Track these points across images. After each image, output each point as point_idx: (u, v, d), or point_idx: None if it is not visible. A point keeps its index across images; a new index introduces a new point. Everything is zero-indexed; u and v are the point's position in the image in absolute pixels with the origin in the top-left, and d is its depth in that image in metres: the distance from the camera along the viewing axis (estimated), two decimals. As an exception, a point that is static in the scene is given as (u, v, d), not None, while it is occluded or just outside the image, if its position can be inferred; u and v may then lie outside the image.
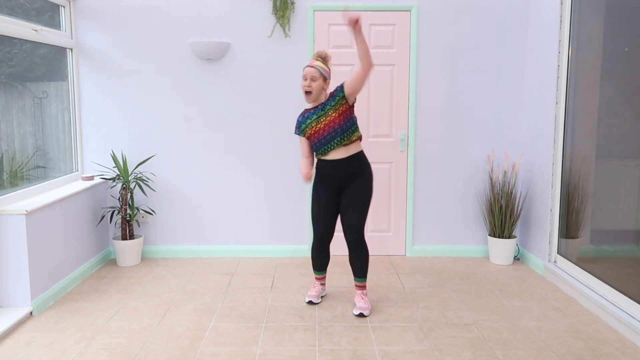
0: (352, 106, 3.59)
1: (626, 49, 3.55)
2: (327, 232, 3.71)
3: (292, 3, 4.70)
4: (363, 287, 3.74)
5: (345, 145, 3.55)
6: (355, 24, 3.28)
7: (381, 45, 4.78)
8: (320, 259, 3.82)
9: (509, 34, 4.80)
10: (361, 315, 3.61)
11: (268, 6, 4.74)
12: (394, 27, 4.77)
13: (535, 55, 4.62)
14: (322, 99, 3.60)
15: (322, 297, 3.96)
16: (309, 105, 3.86)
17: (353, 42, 4.77)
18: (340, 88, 3.54)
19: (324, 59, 3.62)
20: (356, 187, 3.60)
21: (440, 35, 4.79)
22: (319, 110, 3.57)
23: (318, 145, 3.58)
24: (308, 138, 3.64)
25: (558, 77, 4.26)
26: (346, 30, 4.76)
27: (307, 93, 3.55)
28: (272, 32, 4.75)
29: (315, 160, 3.74)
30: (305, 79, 3.53)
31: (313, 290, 3.90)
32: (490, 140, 4.91)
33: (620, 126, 3.62)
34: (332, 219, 3.69)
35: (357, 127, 3.59)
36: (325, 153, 3.58)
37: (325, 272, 3.91)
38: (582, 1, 4.04)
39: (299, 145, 3.73)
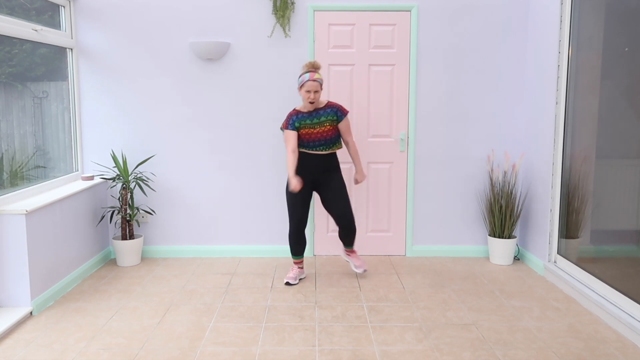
0: None
1: (626, 49, 3.55)
2: (303, 220, 4.20)
3: (292, 3, 4.70)
4: (353, 251, 4.39)
5: (330, 149, 4.11)
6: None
7: (381, 45, 4.78)
8: (298, 245, 4.27)
9: (509, 34, 4.80)
10: (364, 271, 4.31)
11: (268, 6, 4.74)
12: (394, 27, 4.77)
13: (535, 55, 4.62)
14: (318, 105, 4.09)
15: (300, 279, 4.36)
16: (299, 107, 4.15)
17: (353, 42, 4.77)
18: (342, 114, 4.10)
19: (318, 69, 4.08)
20: (335, 179, 4.15)
21: (440, 35, 4.79)
22: (313, 116, 4.07)
23: (308, 143, 4.06)
24: (299, 134, 4.07)
25: (558, 77, 4.26)
26: (346, 30, 4.76)
27: (312, 103, 4.02)
28: (272, 32, 4.75)
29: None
30: (310, 92, 3.98)
31: (291, 272, 4.30)
32: (490, 140, 4.91)
33: (620, 126, 3.61)
34: (307, 208, 4.20)
35: (340, 140, 4.18)
36: (309, 149, 4.08)
37: (303, 257, 4.45)
38: (582, 1, 4.04)
39: (284, 142, 4.14)
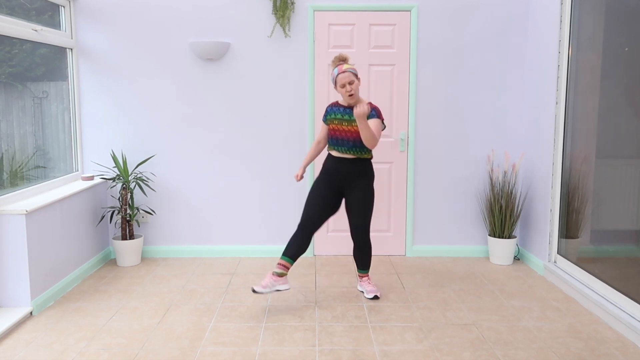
0: None
1: (626, 49, 3.55)
2: (312, 222, 3.74)
3: (292, 3, 4.70)
4: (367, 276, 4.03)
5: (358, 153, 3.74)
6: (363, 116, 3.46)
7: (381, 45, 4.78)
8: (294, 244, 3.70)
9: (509, 34, 4.80)
10: (375, 297, 3.90)
11: (268, 6, 4.74)
12: (394, 27, 4.77)
13: (535, 55, 4.62)
14: (358, 100, 3.77)
15: (277, 290, 3.66)
16: (341, 100, 3.85)
17: (353, 42, 4.77)
18: (374, 113, 3.69)
19: (345, 60, 3.74)
20: (360, 189, 3.79)
21: (440, 35, 4.79)
22: (349, 112, 3.73)
23: (334, 140, 3.77)
24: (329, 129, 3.82)
25: (558, 77, 4.26)
26: (346, 30, 4.76)
27: (351, 96, 3.68)
28: (272, 32, 4.75)
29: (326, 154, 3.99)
30: (344, 86, 3.65)
31: (265, 280, 3.65)
32: (490, 140, 4.91)
33: (620, 126, 3.62)
34: (322, 214, 3.77)
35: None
36: (336, 149, 3.78)
37: (291, 263, 3.68)
38: (582, 1, 4.04)
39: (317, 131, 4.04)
